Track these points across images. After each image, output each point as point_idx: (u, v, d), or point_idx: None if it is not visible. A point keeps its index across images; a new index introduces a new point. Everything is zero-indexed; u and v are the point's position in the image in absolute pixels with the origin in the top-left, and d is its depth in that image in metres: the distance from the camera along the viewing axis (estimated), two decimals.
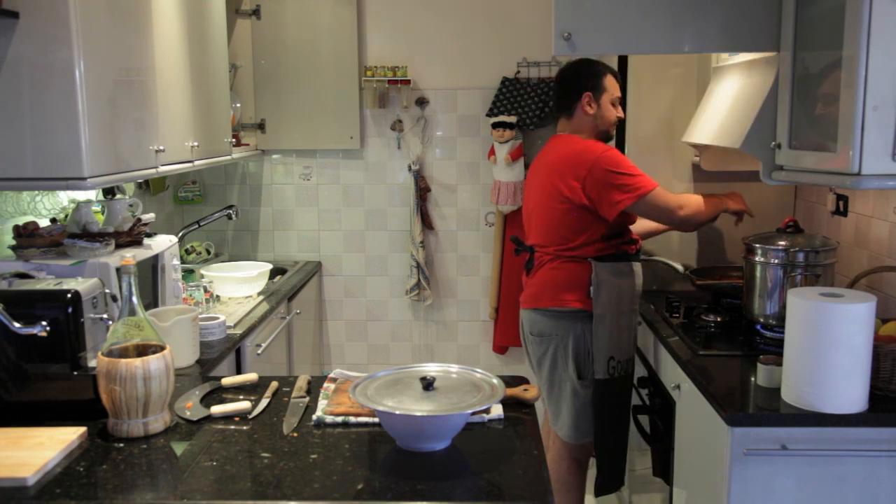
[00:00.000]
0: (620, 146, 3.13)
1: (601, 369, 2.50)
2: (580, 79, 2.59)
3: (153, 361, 1.63)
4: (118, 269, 2.09)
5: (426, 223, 3.90)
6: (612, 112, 2.61)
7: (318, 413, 1.73)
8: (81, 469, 1.50)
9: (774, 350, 2.24)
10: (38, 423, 1.68)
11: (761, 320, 2.43)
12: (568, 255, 2.53)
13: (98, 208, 2.62)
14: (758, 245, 2.40)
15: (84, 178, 2.02)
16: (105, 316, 1.85)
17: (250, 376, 1.99)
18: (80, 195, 2.75)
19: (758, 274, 2.40)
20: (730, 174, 3.04)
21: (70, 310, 1.73)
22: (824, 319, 1.78)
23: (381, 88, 3.78)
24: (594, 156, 2.45)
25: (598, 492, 2.65)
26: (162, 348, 1.68)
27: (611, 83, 2.60)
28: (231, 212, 3.53)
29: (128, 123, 2.27)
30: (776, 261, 2.35)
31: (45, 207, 2.63)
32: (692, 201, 2.54)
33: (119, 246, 2.31)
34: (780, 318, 2.32)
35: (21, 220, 2.33)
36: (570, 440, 2.62)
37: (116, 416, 1.64)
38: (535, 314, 2.61)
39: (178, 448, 1.61)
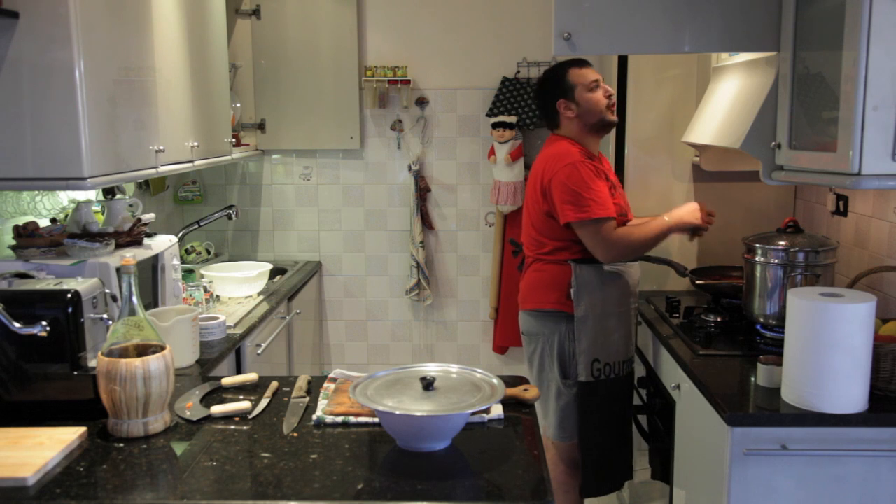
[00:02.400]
0: (620, 146, 3.13)
1: (584, 371, 2.49)
2: (548, 92, 2.56)
3: (153, 361, 1.62)
4: (118, 269, 2.09)
5: (426, 223, 3.90)
6: (595, 98, 2.50)
7: (318, 413, 1.73)
8: (81, 469, 1.50)
9: (774, 350, 2.24)
10: (38, 423, 1.68)
11: (761, 320, 2.43)
12: (549, 258, 2.54)
13: (98, 208, 2.62)
14: (758, 245, 2.40)
15: (84, 178, 2.02)
16: (105, 316, 1.85)
17: (250, 376, 1.99)
18: (80, 195, 2.75)
19: (758, 274, 2.40)
20: (730, 174, 3.04)
21: (70, 310, 1.72)
22: (824, 319, 1.78)
23: (381, 88, 3.78)
24: (561, 164, 2.43)
25: (582, 493, 2.63)
26: (162, 348, 1.68)
27: (576, 75, 2.52)
28: (231, 212, 3.53)
29: (128, 123, 2.27)
30: (776, 261, 2.35)
31: (45, 207, 2.63)
32: (623, 246, 2.42)
33: (119, 246, 2.31)
34: (780, 318, 2.32)
35: (21, 220, 2.33)
36: (556, 439, 2.62)
37: (116, 416, 1.64)
38: (524, 314, 2.64)
39: (178, 448, 1.61)
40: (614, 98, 2.55)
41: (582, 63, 2.56)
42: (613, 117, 2.55)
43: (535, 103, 2.73)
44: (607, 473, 2.62)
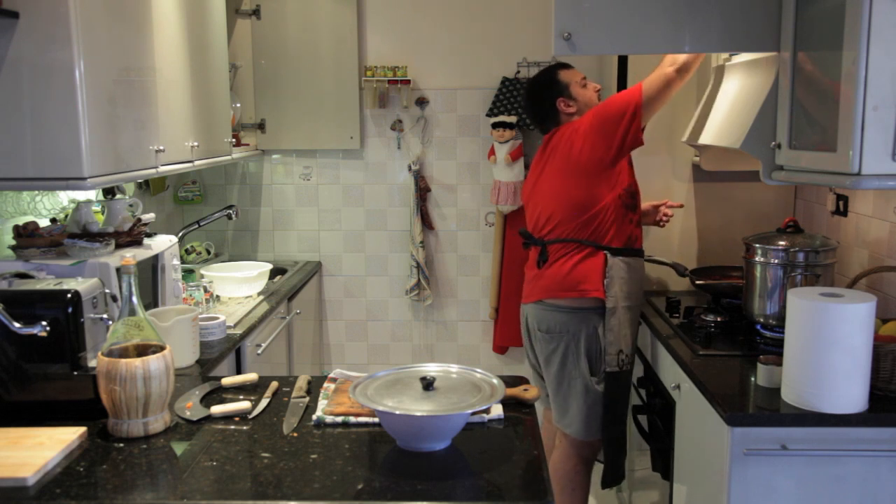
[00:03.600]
0: None
1: (612, 361, 2.53)
2: (544, 96, 2.67)
3: (153, 361, 1.63)
4: (118, 269, 2.09)
5: (426, 223, 3.90)
6: (588, 92, 2.67)
7: (318, 413, 1.73)
8: (81, 469, 1.50)
9: (774, 350, 2.24)
10: (38, 423, 1.68)
11: (761, 320, 2.43)
12: (585, 236, 2.52)
13: (98, 208, 2.62)
14: (758, 245, 2.40)
15: (84, 178, 2.02)
16: (105, 316, 1.85)
17: (250, 376, 1.99)
18: (80, 195, 2.75)
19: (758, 274, 2.40)
20: (730, 174, 3.04)
21: (70, 310, 1.73)
22: (824, 319, 1.78)
23: (381, 88, 3.78)
24: (582, 115, 2.59)
25: (605, 484, 2.70)
26: (162, 348, 1.68)
27: (565, 75, 2.67)
28: (231, 212, 3.53)
29: (128, 123, 2.27)
30: (776, 261, 2.35)
31: (45, 207, 2.63)
32: (656, 81, 2.47)
33: (119, 246, 2.31)
34: (780, 318, 2.32)
35: (21, 220, 2.33)
36: (580, 437, 2.63)
37: (116, 416, 1.64)
38: (544, 310, 2.60)
39: (178, 448, 1.61)
40: (601, 92, 2.70)
41: (566, 65, 2.72)
42: None
43: (528, 109, 2.79)
44: (620, 462, 2.68)
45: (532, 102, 2.74)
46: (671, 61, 2.43)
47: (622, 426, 2.64)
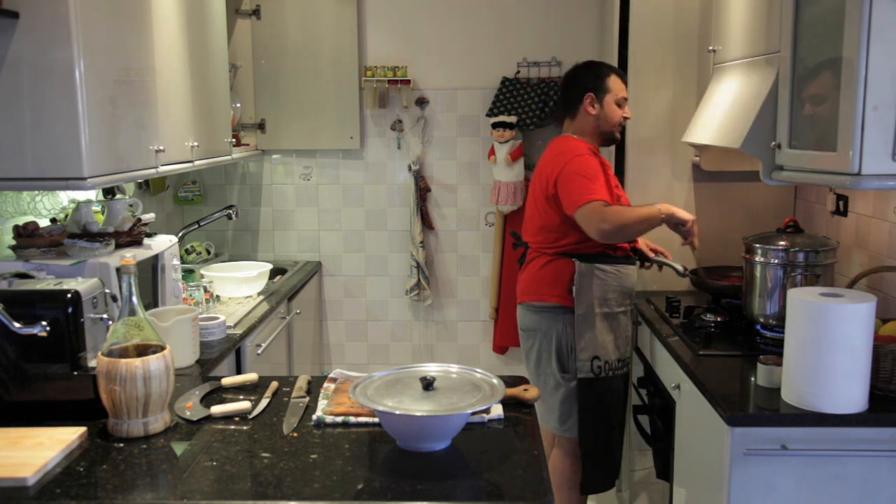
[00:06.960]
0: (621, 147, 3.13)
1: (584, 367, 2.53)
2: (583, 79, 2.63)
3: (153, 361, 1.62)
4: (118, 269, 2.09)
5: (426, 223, 3.90)
6: (617, 112, 2.62)
7: (318, 413, 1.73)
8: (81, 469, 1.50)
9: (774, 350, 2.24)
10: (38, 423, 1.68)
11: (761, 320, 2.43)
12: (552, 251, 2.57)
13: (98, 208, 2.62)
14: (758, 245, 2.40)
15: (84, 178, 2.02)
16: (105, 316, 1.85)
17: (250, 376, 1.99)
18: (80, 195, 2.75)
19: (758, 274, 2.40)
20: (730, 174, 3.04)
21: (70, 310, 1.72)
22: (824, 319, 1.78)
23: (381, 88, 3.78)
24: (569, 157, 2.50)
25: (583, 490, 2.68)
26: (162, 348, 1.68)
27: (615, 83, 2.62)
28: (231, 212, 3.53)
29: (128, 123, 2.27)
30: (776, 261, 2.35)
31: (45, 207, 2.63)
32: (613, 221, 2.38)
33: (119, 246, 2.31)
34: (780, 318, 2.32)
35: (21, 220, 2.33)
36: (560, 433, 2.64)
37: (116, 416, 1.64)
38: (523, 309, 2.68)
39: (178, 448, 1.61)
40: (628, 121, 2.69)
41: (623, 76, 2.67)
42: (619, 136, 2.69)
43: (563, 82, 2.72)
44: (605, 470, 2.66)
45: (570, 77, 2.67)
46: (600, 220, 2.38)
47: (603, 436, 2.61)
